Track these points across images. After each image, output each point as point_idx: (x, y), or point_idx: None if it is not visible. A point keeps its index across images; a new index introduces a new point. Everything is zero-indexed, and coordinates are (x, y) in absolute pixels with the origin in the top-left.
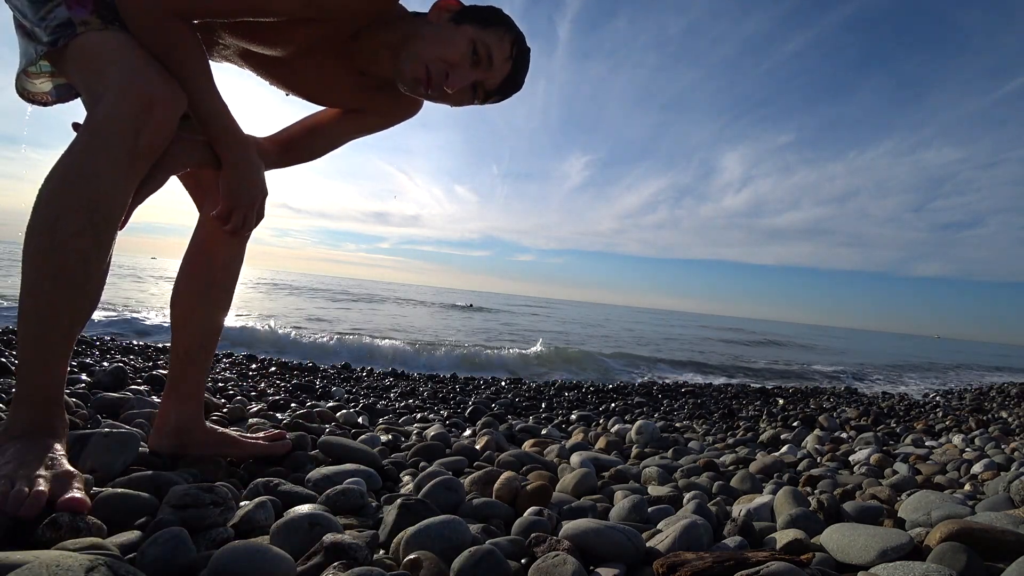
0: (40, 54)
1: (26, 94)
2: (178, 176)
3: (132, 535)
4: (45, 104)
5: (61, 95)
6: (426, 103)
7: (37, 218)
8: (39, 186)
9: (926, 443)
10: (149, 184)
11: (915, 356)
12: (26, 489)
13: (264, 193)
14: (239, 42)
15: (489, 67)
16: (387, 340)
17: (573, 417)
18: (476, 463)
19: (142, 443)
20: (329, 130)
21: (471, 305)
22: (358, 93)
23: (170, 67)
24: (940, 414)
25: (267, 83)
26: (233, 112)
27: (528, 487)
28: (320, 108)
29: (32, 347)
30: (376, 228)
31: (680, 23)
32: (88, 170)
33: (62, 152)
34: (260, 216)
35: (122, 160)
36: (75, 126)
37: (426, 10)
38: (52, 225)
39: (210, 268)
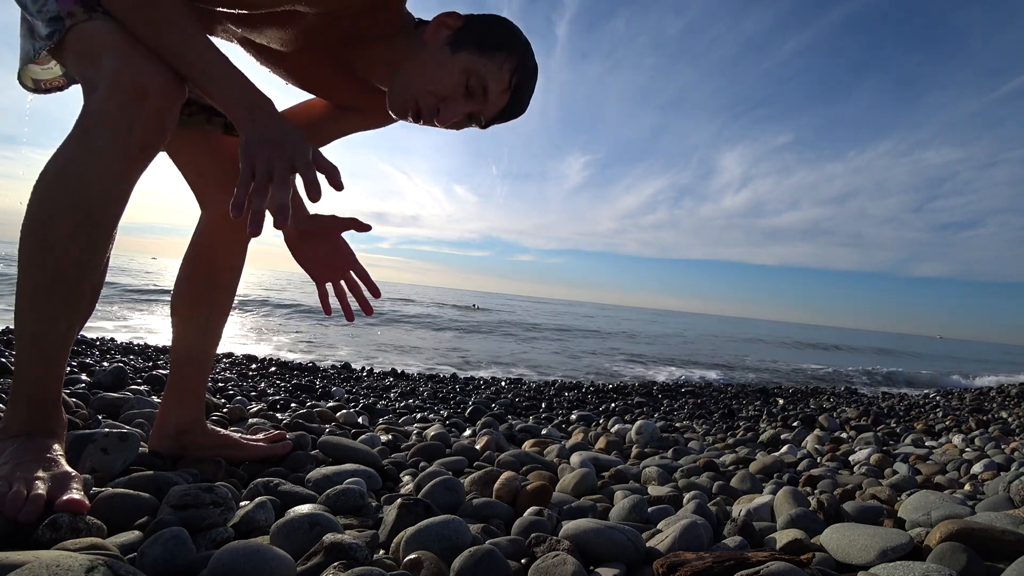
0: (39, 50)
1: (40, 84)
2: (180, 168)
3: (132, 535)
4: (62, 88)
5: (73, 76)
6: None
7: (31, 219)
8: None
9: (926, 443)
10: None
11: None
12: (24, 491)
13: (295, 146)
14: (239, 28)
15: (484, 101)
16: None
17: (573, 417)
18: (476, 463)
19: (142, 443)
20: (324, 126)
21: (475, 306)
22: (357, 94)
23: (154, 38)
24: (940, 414)
25: (267, 71)
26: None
27: (528, 487)
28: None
29: (29, 347)
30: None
31: (678, 23)
32: (80, 169)
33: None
34: (295, 171)
35: (116, 157)
36: None
37: (429, 17)
38: (45, 226)
39: (211, 269)
